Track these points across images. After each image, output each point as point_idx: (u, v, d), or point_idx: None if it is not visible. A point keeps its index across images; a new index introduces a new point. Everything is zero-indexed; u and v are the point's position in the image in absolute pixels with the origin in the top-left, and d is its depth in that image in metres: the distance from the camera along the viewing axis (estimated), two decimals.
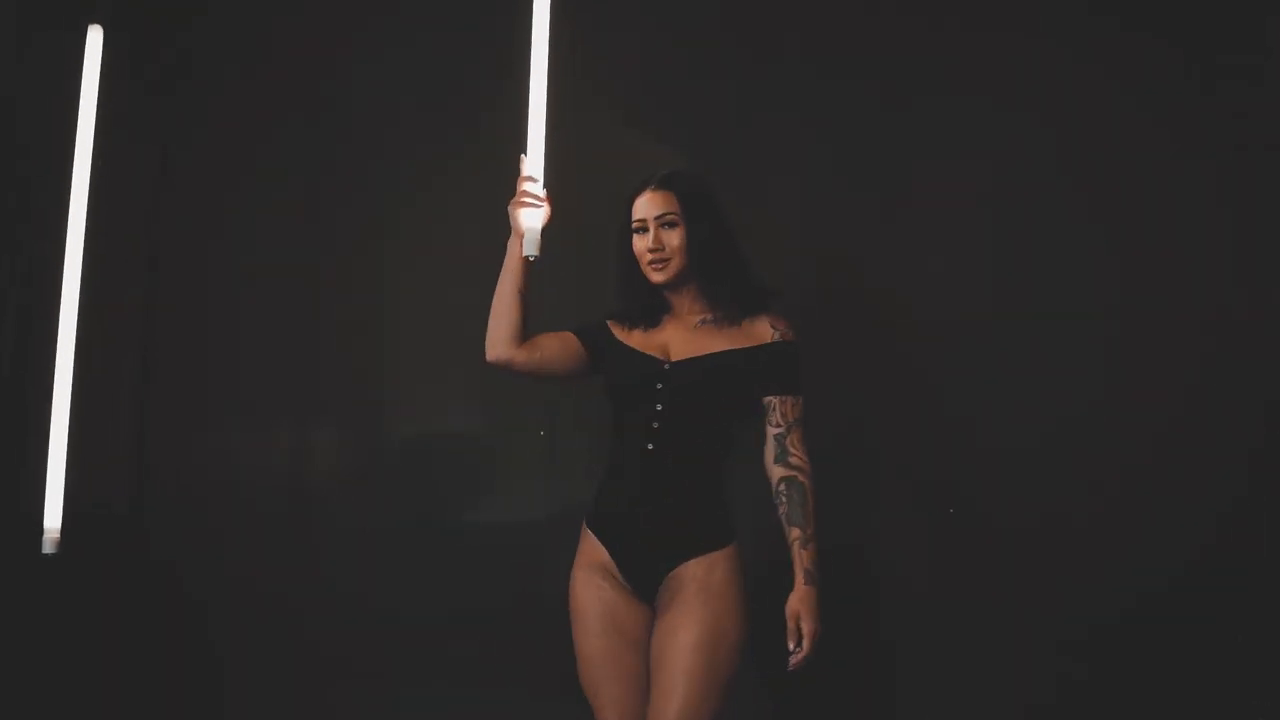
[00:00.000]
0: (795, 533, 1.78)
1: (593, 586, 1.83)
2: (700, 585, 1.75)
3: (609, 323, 1.96)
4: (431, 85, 2.76)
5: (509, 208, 1.78)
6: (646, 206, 1.88)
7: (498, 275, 1.86)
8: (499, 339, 1.84)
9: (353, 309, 2.79)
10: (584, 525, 1.90)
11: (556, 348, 1.89)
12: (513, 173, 1.80)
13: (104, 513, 2.66)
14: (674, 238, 1.85)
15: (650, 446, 1.80)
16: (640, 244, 1.89)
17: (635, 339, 1.91)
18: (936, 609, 2.36)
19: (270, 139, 2.85)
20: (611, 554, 1.83)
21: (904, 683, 2.36)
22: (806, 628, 1.71)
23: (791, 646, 1.72)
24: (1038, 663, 2.28)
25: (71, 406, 2.06)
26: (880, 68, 2.50)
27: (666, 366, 1.84)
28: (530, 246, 1.75)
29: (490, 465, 2.70)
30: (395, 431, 2.79)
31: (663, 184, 1.88)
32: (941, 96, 2.45)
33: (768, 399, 1.85)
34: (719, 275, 1.88)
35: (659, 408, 1.81)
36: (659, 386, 1.82)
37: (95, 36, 2.07)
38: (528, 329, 1.85)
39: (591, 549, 1.86)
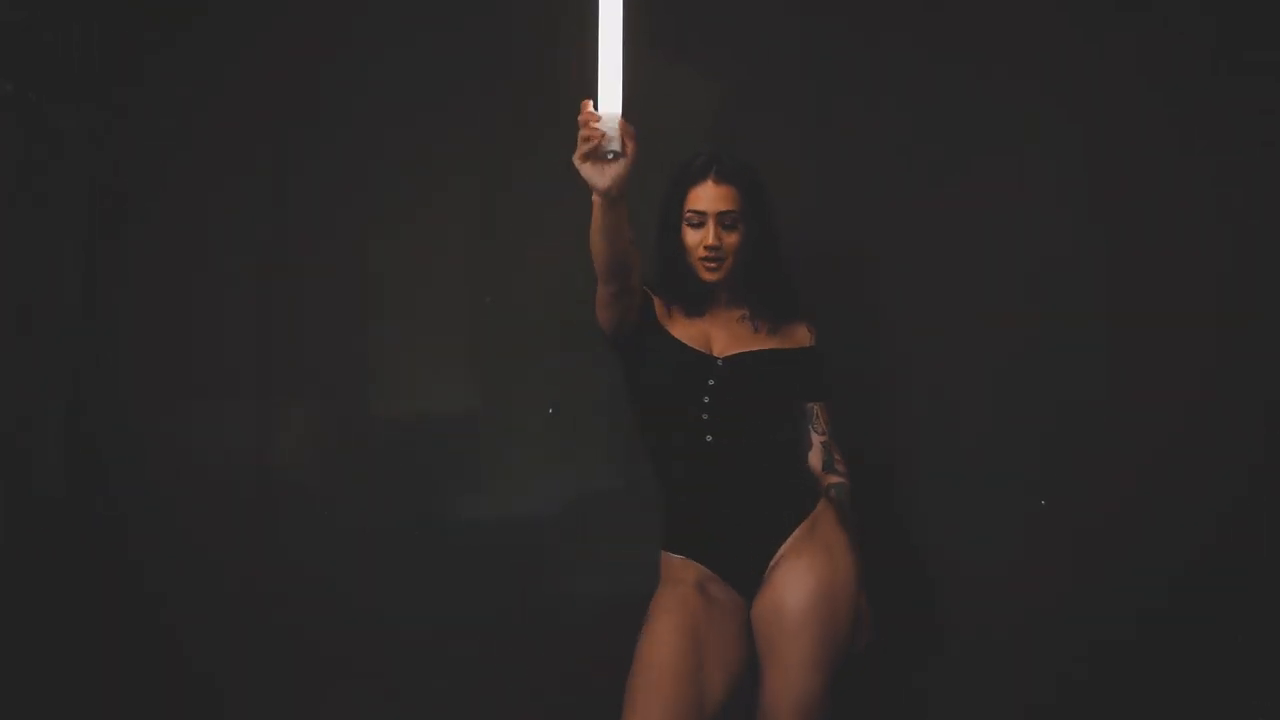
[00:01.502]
0: (826, 475, 1.86)
1: (679, 593, 1.74)
2: (796, 557, 1.73)
3: (654, 297, 1.85)
4: (412, 47, 2.53)
5: (574, 162, 1.50)
6: (709, 200, 1.78)
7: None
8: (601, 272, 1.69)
9: (332, 273, 2.51)
10: (663, 553, 1.83)
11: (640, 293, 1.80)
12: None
13: (40, 499, 2.40)
14: (733, 238, 1.80)
15: (710, 440, 1.76)
16: (695, 238, 1.80)
17: (678, 326, 1.83)
18: (938, 609, 2.31)
19: (241, 100, 2.55)
20: (709, 565, 1.77)
21: (905, 682, 2.29)
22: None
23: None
24: (1038, 663, 2.26)
25: None
26: (890, 63, 2.43)
27: (719, 362, 1.80)
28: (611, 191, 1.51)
29: (491, 448, 2.45)
30: (381, 411, 2.51)
31: (726, 177, 1.79)
32: (949, 93, 2.40)
33: (810, 405, 1.88)
34: (768, 281, 1.86)
35: (706, 400, 1.77)
36: (710, 383, 1.78)
37: None
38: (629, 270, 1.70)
39: (678, 570, 1.79)
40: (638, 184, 1.55)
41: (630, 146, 1.48)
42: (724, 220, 1.78)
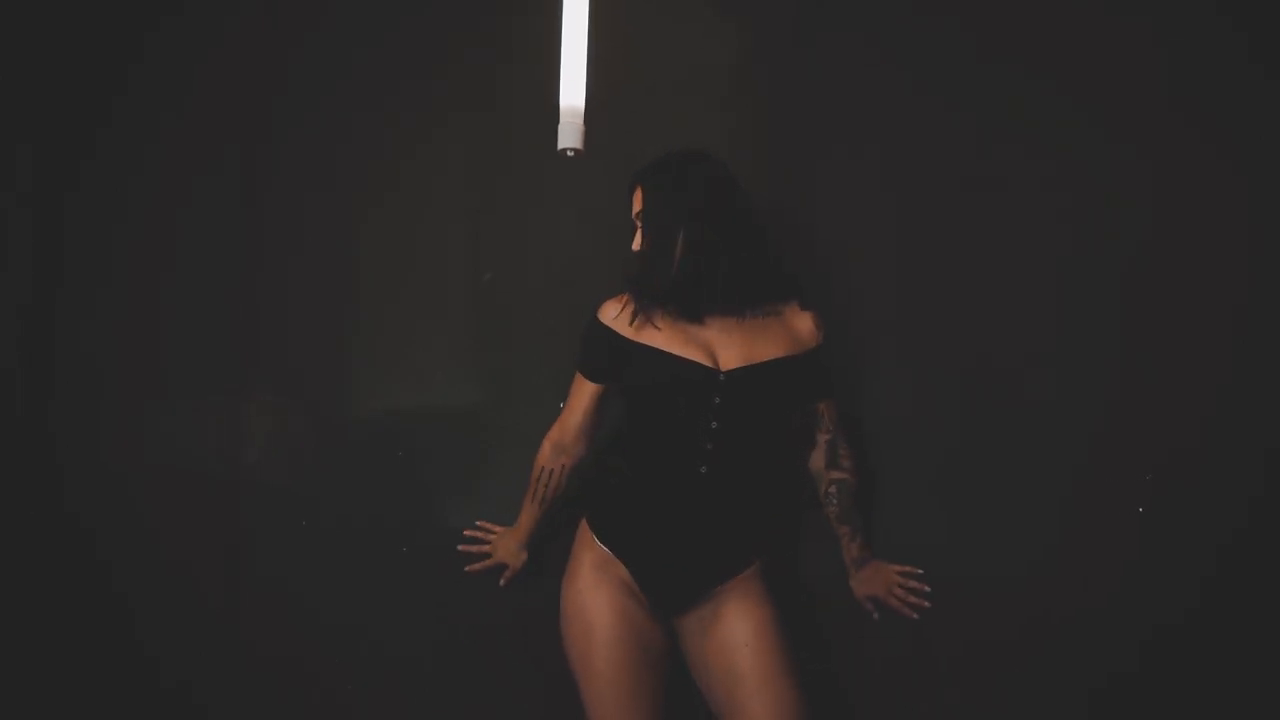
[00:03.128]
0: (846, 529, 1.91)
1: (605, 598, 1.73)
2: (741, 595, 1.75)
3: (606, 320, 1.78)
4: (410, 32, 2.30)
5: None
6: (635, 203, 1.80)
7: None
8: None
9: (315, 259, 2.27)
10: (589, 533, 1.80)
11: (593, 416, 1.86)
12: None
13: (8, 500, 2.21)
14: (647, 237, 1.77)
15: (704, 470, 1.71)
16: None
17: (664, 336, 1.73)
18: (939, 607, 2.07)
19: (216, 83, 2.32)
20: (635, 573, 1.75)
21: (905, 681, 2.12)
22: (881, 590, 1.94)
23: (876, 615, 1.97)
24: (1042, 663, 2.11)
25: None
26: (888, 59, 2.25)
27: (721, 378, 1.71)
28: None
29: (488, 449, 2.18)
30: (366, 409, 2.25)
31: (637, 176, 1.81)
32: (962, 88, 2.22)
33: (819, 405, 1.87)
34: (743, 272, 1.75)
35: (714, 425, 1.70)
36: (716, 401, 1.70)
37: None
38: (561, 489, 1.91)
39: (603, 561, 1.76)
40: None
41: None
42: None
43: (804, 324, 1.81)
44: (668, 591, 1.75)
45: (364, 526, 2.19)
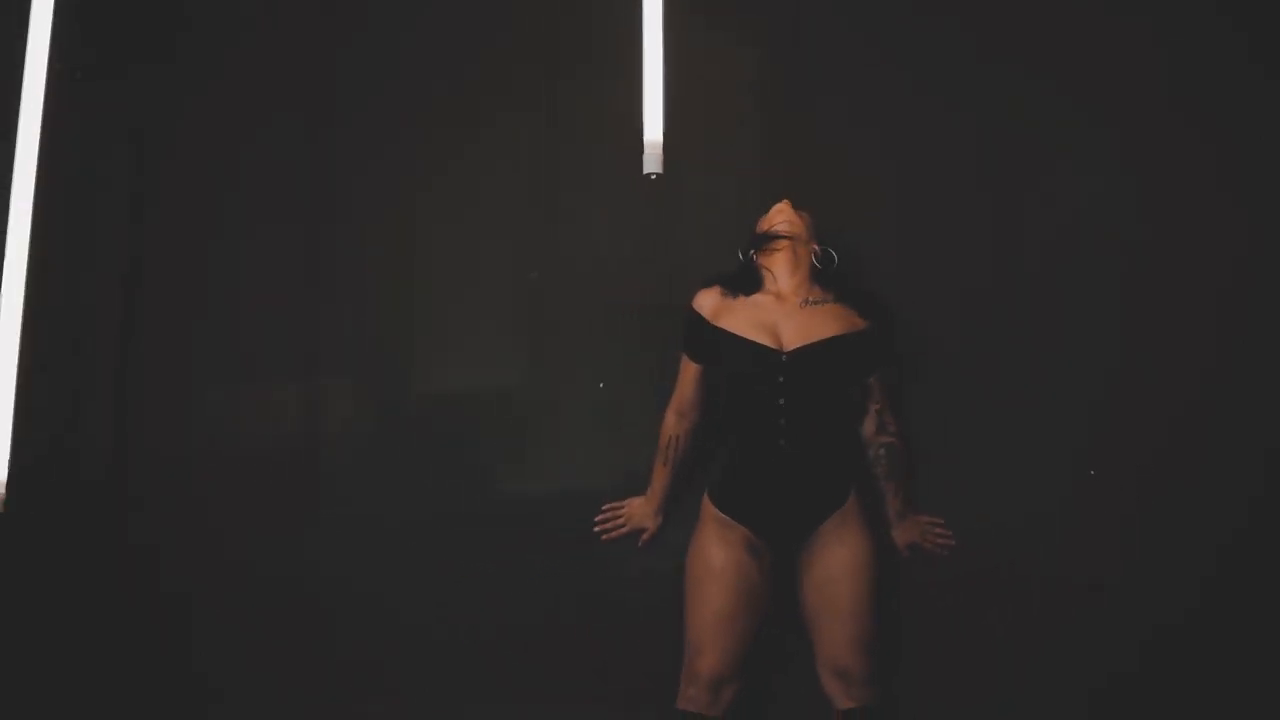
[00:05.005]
0: (891, 485, 2.17)
1: (729, 553, 2.04)
2: (841, 534, 2.05)
3: (699, 309, 2.13)
4: (470, 23, 2.57)
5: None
6: (785, 207, 2.19)
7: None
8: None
9: (375, 248, 2.53)
10: (709, 504, 2.10)
11: (699, 390, 2.17)
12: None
13: (71, 478, 2.40)
14: (796, 222, 2.16)
15: (782, 441, 2.02)
16: (766, 220, 2.18)
17: (740, 320, 2.07)
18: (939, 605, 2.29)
19: (285, 77, 2.57)
20: (753, 529, 2.06)
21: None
22: (934, 536, 2.20)
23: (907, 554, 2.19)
24: (1039, 663, 2.25)
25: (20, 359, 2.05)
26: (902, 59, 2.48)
27: (784, 358, 2.02)
28: None
29: (539, 427, 2.42)
30: (423, 389, 2.50)
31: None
32: (969, 85, 2.44)
33: (871, 380, 2.14)
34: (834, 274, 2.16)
35: (781, 402, 2.02)
36: (780, 380, 2.02)
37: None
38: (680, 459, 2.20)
39: (723, 524, 2.07)
40: None
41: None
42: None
43: (856, 316, 2.12)
44: (778, 538, 2.06)
45: (427, 493, 2.40)
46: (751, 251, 2.16)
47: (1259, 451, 2.24)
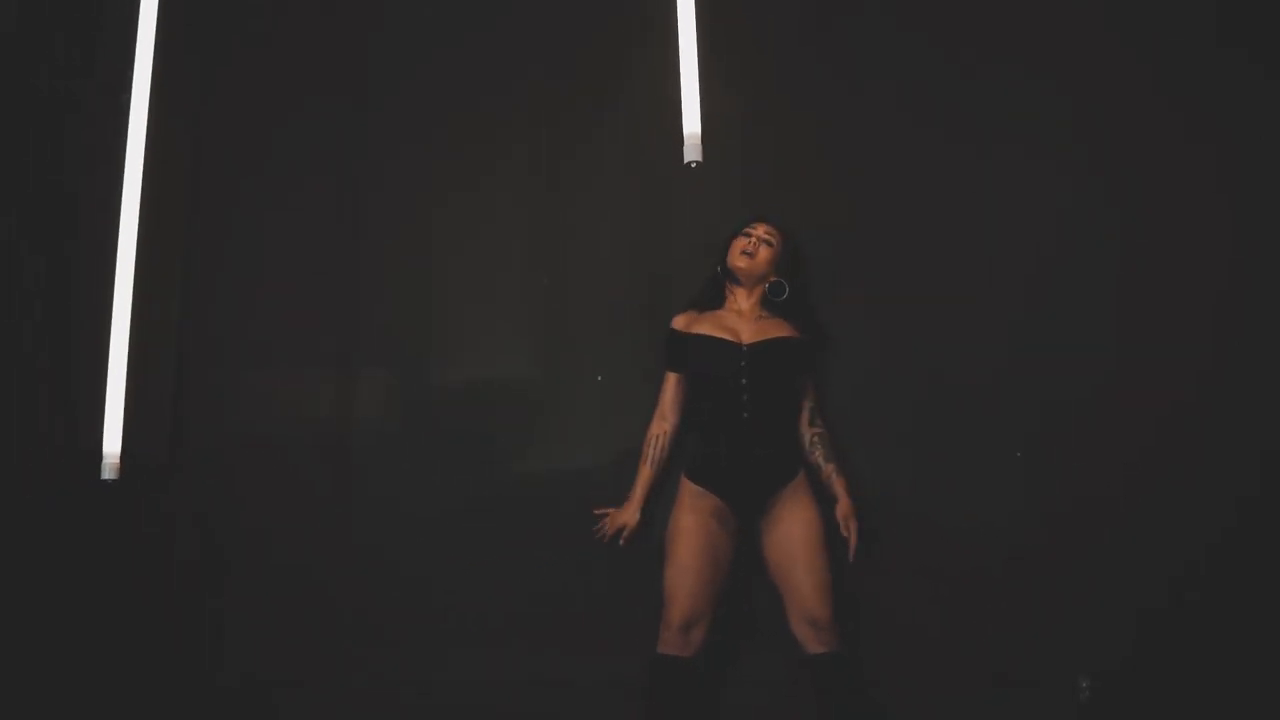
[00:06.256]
0: (831, 467, 2.48)
1: (698, 518, 2.39)
2: (794, 502, 2.42)
3: (675, 326, 2.52)
4: (490, 30, 2.86)
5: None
6: (760, 227, 2.54)
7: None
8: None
9: (404, 254, 2.84)
10: (685, 479, 2.45)
11: (678, 396, 2.52)
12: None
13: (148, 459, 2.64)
14: (765, 251, 2.51)
15: (745, 415, 2.39)
16: (741, 242, 2.52)
17: (707, 327, 2.48)
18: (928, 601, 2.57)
19: (319, 79, 2.85)
20: (722, 496, 2.41)
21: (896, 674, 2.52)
22: (854, 525, 2.41)
23: (851, 542, 2.41)
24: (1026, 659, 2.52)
25: (130, 344, 2.16)
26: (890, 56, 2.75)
27: (744, 349, 2.42)
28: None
29: (546, 413, 2.74)
30: (447, 378, 2.81)
31: (773, 222, 2.57)
32: (960, 85, 2.71)
33: (804, 379, 2.52)
34: (785, 301, 2.53)
35: (743, 381, 2.40)
36: (742, 365, 2.41)
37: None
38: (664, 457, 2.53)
39: (696, 495, 2.42)
40: None
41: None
42: (763, 239, 2.55)
43: (793, 323, 2.52)
44: (741, 503, 2.40)
45: (450, 471, 2.72)
46: (719, 267, 2.54)
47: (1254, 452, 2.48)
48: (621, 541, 2.50)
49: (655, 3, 2.20)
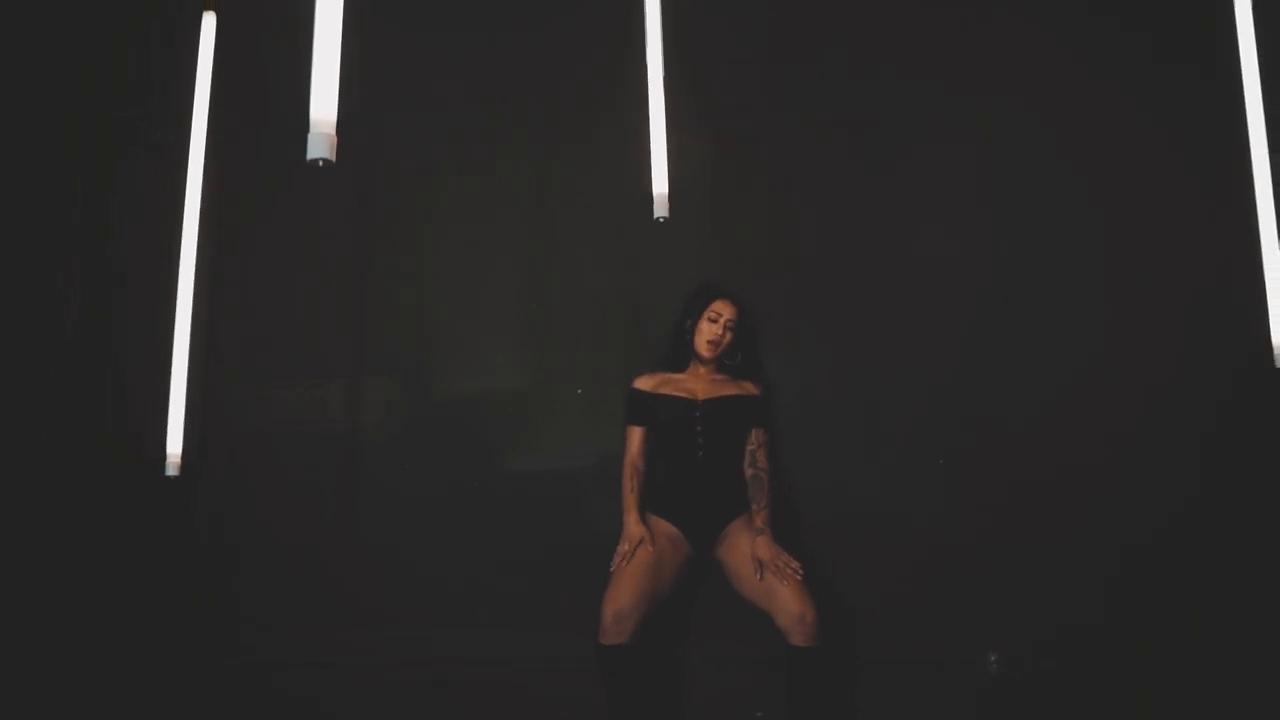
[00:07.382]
0: (755, 507, 2.74)
1: (652, 534, 2.67)
2: (745, 532, 2.71)
3: (638, 387, 2.82)
4: (483, 48, 3.15)
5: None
6: (727, 310, 2.83)
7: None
8: None
9: (407, 280, 3.16)
10: (648, 513, 2.73)
11: (643, 445, 2.79)
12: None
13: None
14: (729, 336, 2.82)
15: (700, 455, 2.74)
16: (710, 330, 2.81)
17: (670, 388, 2.80)
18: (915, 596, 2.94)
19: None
20: (681, 528, 2.73)
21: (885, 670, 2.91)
22: (768, 557, 2.60)
23: (758, 578, 2.59)
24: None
25: (191, 351, 2.43)
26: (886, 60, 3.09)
27: (699, 404, 2.77)
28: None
29: (534, 419, 3.08)
30: (445, 388, 3.13)
31: (735, 300, 2.85)
32: (945, 91, 3.06)
33: (752, 430, 2.81)
34: (737, 365, 2.88)
35: (699, 429, 2.75)
36: (697, 414, 2.76)
37: (209, 22, 2.32)
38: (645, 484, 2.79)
39: (656, 523, 2.73)
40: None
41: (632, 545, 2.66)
42: (729, 325, 2.83)
43: (747, 384, 2.85)
44: (696, 532, 2.71)
45: (447, 472, 3.03)
46: (688, 322, 2.81)
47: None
48: (648, 550, 2.61)
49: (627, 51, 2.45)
